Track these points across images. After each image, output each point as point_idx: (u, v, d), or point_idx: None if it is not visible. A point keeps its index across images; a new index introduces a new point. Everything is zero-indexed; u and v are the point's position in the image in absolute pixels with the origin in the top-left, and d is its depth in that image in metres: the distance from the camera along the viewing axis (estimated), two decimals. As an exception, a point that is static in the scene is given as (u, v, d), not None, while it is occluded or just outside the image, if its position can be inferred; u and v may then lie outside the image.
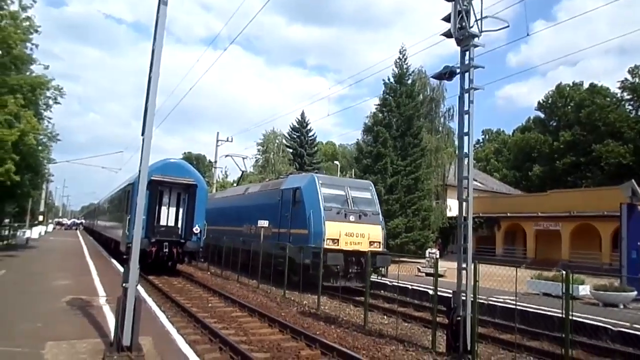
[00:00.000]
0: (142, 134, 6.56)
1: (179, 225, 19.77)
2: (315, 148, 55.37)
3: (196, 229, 19.46)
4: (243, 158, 33.71)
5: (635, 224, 17.02)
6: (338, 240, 16.40)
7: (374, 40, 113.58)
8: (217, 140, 42.55)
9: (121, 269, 15.71)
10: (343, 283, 15.71)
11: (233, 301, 13.85)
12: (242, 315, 12.20)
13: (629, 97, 54.14)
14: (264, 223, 18.90)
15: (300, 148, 52.38)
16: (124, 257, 6.05)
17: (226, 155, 36.74)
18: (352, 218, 17.03)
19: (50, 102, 22.37)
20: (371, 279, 14.98)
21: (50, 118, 23.90)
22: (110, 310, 9.14)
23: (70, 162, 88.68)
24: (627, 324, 10.69)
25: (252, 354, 8.04)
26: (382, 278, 18.05)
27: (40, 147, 23.09)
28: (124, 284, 6.22)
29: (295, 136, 54.44)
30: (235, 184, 55.10)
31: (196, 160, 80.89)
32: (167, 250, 18.84)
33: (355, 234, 16.79)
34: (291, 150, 53.58)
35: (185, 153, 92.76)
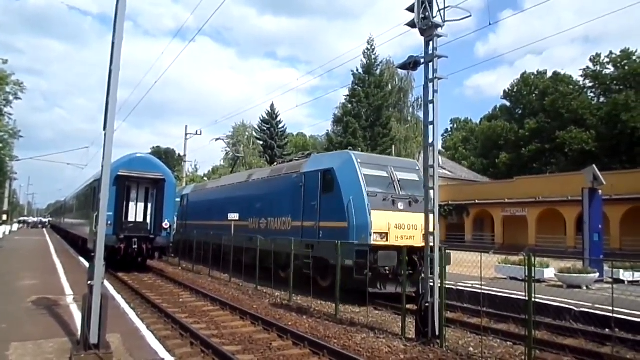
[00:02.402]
0: (104, 129, 6.44)
1: (148, 220, 19.51)
2: (286, 140, 55.32)
3: (165, 224, 19.26)
4: (234, 143, 31.14)
5: (596, 208, 17.57)
6: (387, 234, 13.01)
7: (344, 31, 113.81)
8: (186, 134, 42.04)
9: (89, 267, 15.46)
10: (394, 289, 12.47)
11: (205, 295, 13.79)
12: (213, 309, 12.16)
13: (590, 84, 55.59)
14: (234, 216, 18.77)
15: (271, 140, 52.22)
16: (92, 254, 5.95)
17: (216, 139, 34.73)
18: (401, 206, 13.61)
19: (11, 97, 21.78)
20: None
21: (10, 114, 23.28)
22: (78, 309, 8.98)
23: (34, 159, 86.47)
24: (589, 304, 11.07)
25: (223, 347, 8.03)
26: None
27: (1, 145, 22.44)
28: (89, 282, 6.13)
29: (265, 128, 54.23)
30: (206, 178, 54.62)
31: (165, 155, 79.70)
32: (136, 246, 18.57)
33: (407, 225, 13.42)
34: (261, 143, 53.35)
35: (154, 147, 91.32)
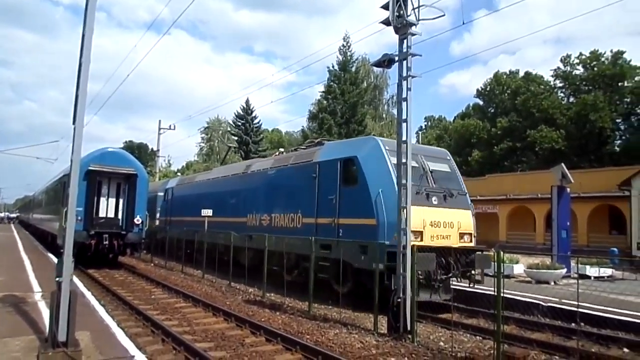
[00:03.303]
0: (74, 123, 6.32)
1: (120, 216, 19.23)
2: (261, 136, 54.99)
3: (137, 220, 19.00)
4: (225, 132, 27.41)
5: (564, 205, 18.00)
6: (422, 232, 11.32)
7: (322, 27, 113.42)
8: (160, 128, 41.40)
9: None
10: (428, 296, 10.48)
11: (177, 292, 13.68)
12: (186, 305, 12.07)
13: (561, 84, 56.70)
14: (207, 212, 18.59)
15: (246, 136, 51.85)
16: (61, 250, 5.81)
17: (205, 127, 32.52)
18: (435, 200, 12.04)
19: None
20: (459, 288, 11.85)
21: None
22: (46, 306, 8.82)
23: (2, 152, 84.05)
24: (556, 299, 11.36)
25: (195, 344, 7.98)
26: (475, 286, 11.51)
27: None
28: (57, 278, 6.02)
29: (240, 124, 53.81)
30: (179, 174, 54.03)
31: (138, 149, 78.22)
32: (107, 242, 18.30)
33: (443, 223, 11.88)
34: (236, 138, 52.99)
35: (126, 142, 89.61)
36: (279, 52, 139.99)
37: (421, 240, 11.11)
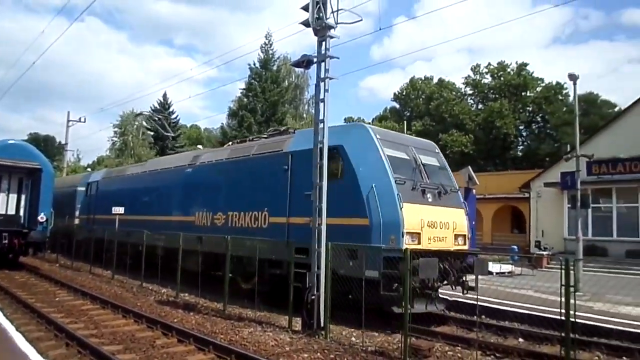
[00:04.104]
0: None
1: (21, 213, 18.02)
2: (179, 131, 53.44)
3: (42, 218, 17.87)
4: (166, 115, 21.05)
5: (470, 205, 19.02)
6: (419, 234, 10.09)
7: (246, 24, 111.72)
8: (68, 120, 39.10)
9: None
10: (423, 307, 9.82)
11: (84, 294, 13.03)
12: (93, 307, 11.54)
13: (471, 92, 60.04)
14: (118, 210, 17.82)
15: (163, 131, 50.14)
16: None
17: (140, 113, 27.06)
18: (429, 197, 10.77)
19: None
20: (451, 297, 11.09)
21: None
22: None
23: None
24: (460, 294, 12.04)
25: (102, 347, 7.67)
26: (468, 294, 10.32)
27: None
28: (-54, 280, 5.57)
29: (156, 118, 51.93)
30: (89, 169, 51.29)
31: (44, 142, 73.44)
32: (6, 241, 17.06)
33: (439, 223, 10.59)
34: (152, 133, 51.11)
35: (31, 134, 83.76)
36: (201, 47, 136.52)
37: (419, 243, 9.94)
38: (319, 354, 7.73)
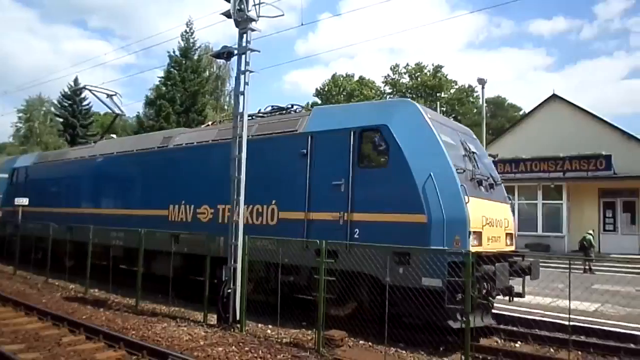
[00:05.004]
0: None
1: None
2: (91, 119, 50.67)
3: None
4: (111, 95, 17.54)
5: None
6: (481, 233, 8.59)
7: (167, 9, 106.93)
8: (-36, 104, 35.97)
9: None
10: (480, 321, 8.36)
11: (-20, 291, 12.13)
12: (-9, 306, 10.78)
13: (390, 90, 62.01)
14: (22, 201, 16.53)
15: (73, 118, 47.31)
16: None
17: (83, 87, 21.00)
18: (484, 190, 9.28)
19: None
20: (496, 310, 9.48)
21: None
22: None
23: None
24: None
25: (1, 347, 7.21)
26: (513, 300, 9.30)
27: None
28: None
29: (66, 104, 48.98)
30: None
31: None
32: None
33: (495, 220, 9.14)
34: (61, 120, 48.19)
35: None
36: (118, 30, 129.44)
37: (480, 244, 8.48)
38: (233, 347, 7.74)
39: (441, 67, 57.12)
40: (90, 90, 17.36)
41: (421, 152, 8.63)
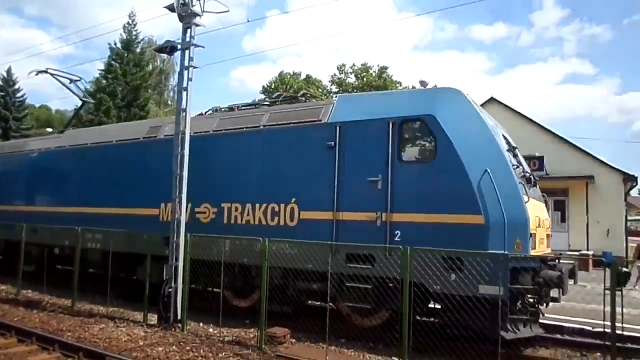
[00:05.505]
0: None
1: None
2: (25, 112, 48.20)
3: None
4: (75, 80, 15.78)
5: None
6: (534, 235, 7.86)
7: (108, 1, 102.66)
8: None
9: None
10: (530, 331, 7.73)
11: None
12: None
13: (336, 90, 62.49)
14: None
15: (5, 111, 44.78)
16: None
17: (45, 70, 18.14)
18: (530, 189, 8.37)
19: None
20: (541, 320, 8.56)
21: None
22: None
23: None
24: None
25: None
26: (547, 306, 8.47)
27: None
28: None
29: (-3, 96, 46.35)
30: None
31: None
32: None
33: (542, 221, 8.48)
34: (-8, 113, 45.56)
35: None
36: (55, 19, 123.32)
37: (534, 247, 7.82)
38: (174, 346, 7.64)
39: (386, 68, 58.12)
40: (52, 75, 15.69)
41: (473, 146, 7.81)
